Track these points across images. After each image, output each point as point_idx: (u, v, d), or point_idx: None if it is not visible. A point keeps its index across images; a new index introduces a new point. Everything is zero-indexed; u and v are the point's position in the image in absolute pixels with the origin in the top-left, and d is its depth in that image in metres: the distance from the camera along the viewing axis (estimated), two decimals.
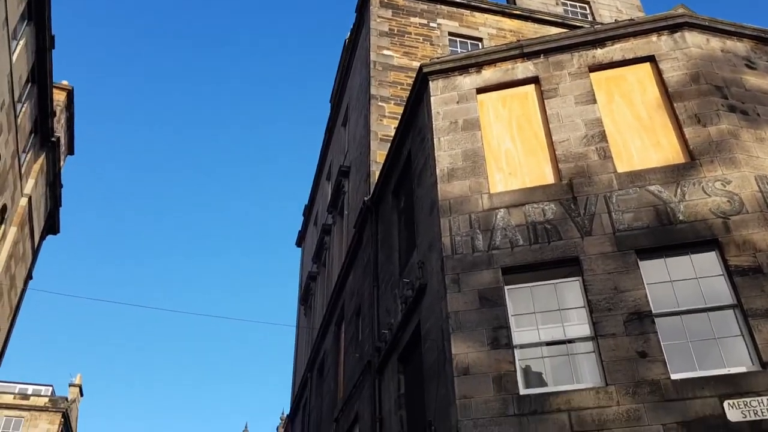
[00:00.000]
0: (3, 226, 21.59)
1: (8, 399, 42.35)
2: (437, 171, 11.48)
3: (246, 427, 55.23)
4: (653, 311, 9.18)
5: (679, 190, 10.08)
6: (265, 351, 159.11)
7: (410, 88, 14.09)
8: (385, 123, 18.24)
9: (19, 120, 20.46)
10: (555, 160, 11.05)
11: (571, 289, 9.77)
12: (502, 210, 10.66)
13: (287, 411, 29.29)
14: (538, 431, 8.58)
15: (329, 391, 19.23)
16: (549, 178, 10.95)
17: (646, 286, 9.41)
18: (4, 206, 21.05)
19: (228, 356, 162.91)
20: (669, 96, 11.21)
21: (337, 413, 17.19)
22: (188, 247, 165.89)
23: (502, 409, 8.85)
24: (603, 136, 11.03)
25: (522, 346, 9.46)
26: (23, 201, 22.99)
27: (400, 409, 11.96)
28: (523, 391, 9.01)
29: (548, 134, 11.41)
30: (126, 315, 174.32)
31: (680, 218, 9.82)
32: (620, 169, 10.63)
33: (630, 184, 10.36)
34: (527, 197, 10.69)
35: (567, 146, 11.09)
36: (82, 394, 52.20)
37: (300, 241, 32.91)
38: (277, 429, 49.51)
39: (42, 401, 45.41)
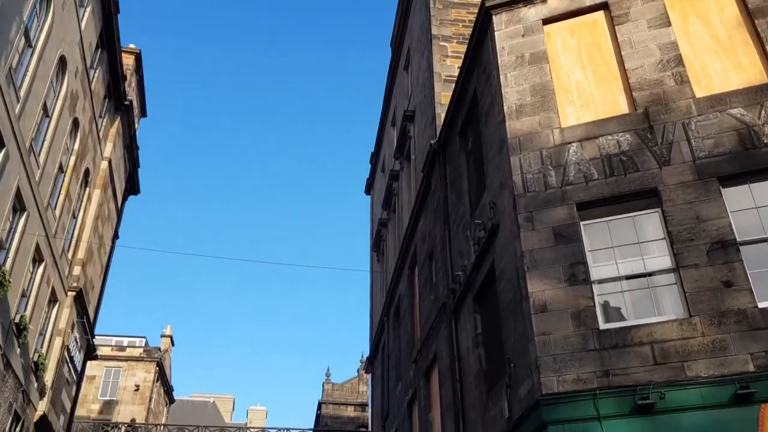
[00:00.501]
0: (87, 188, 22.67)
1: (107, 351, 45.23)
2: (505, 108, 11.27)
3: (328, 370, 57.33)
4: (738, 239, 8.87)
5: (763, 112, 9.56)
6: (341, 298, 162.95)
7: (473, 24, 13.75)
8: (448, 63, 17.92)
9: (92, 86, 21.19)
10: (629, 89, 10.64)
11: (650, 221, 9.54)
12: (574, 144, 10.41)
13: (366, 354, 30.15)
14: (619, 365, 8.55)
15: (406, 333, 19.64)
16: (623, 107, 10.58)
17: (729, 213, 9.08)
18: (87, 170, 22.06)
19: (307, 304, 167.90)
20: (749, 13, 10.53)
21: (415, 354, 17.58)
22: (262, 201, 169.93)
23: (582, 344, 8.84)
24: (679, 61, 10.52)
25: (600, 281, 9.35)
26: (104, 164, 24.03)
27: (478, 348, 12.13)
28: (603, 325, 8.96)
29: (621, 62, 10.96)
30: (209, 266, 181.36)
31: (765, 141, 9.34)
32: (699, 94, 10.15)
33: (710, 109, 9.89)
34: (601, 129, 10.38)
35: (641, 73, 10.65)
36: (173, 344, 55.25)
37: (368, 189, 33.17)
38: (358, 371, 51.13)
39: (137, 352, 48.33)
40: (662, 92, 10.33)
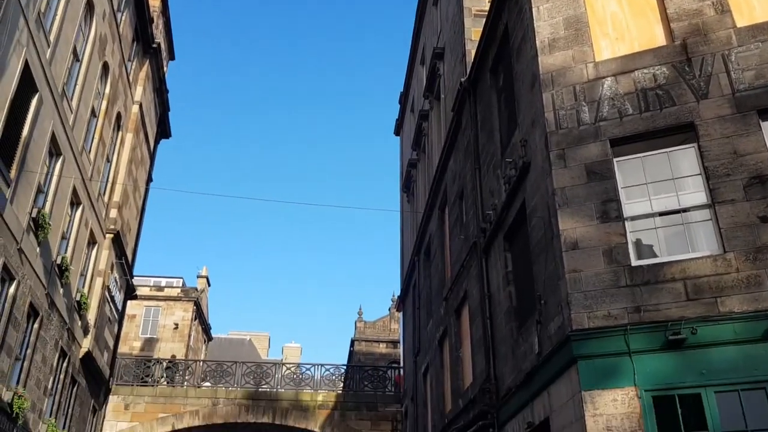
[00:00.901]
0: (120, 132, 22.92)
1: (146, 291, 46.52)
2: (537, 42, 10.98)
3: (360, 309, 58.39)
4: None
5: None
6: (373, 239, 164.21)
7: None
8: None
9: (120, 29, 21.14)
10: (666, 20, 10.26)
11: (685, 157, 9.35)
12: (609, 78, 10.15)
13: (398, 293, 30.57)
14: (651, 301, 8.55)
15: (437, 272, 19.82)
16: (660, 39, 10.23)
17: None
18: (119, 114, 22.25)
19: (339, 245, 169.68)
20: None
21: (446, 292, 17.78)
22: (292, 143, 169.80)
23: (614, 281, 8.84)
24: None
25: (633, 218, 9.27)
26: (135, 108, 24.19)
27: (509, 285, 12.21)
28: (635, 262, 8.92)
29: None
30: (242, 207, 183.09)
31: None
32: (740, 24, 9.75)
33: (751, 39, 9.52)
34: (636, 62, 10.08)
35: (679, 3, 10.24)
36: (209, 284, 56.61)
37: (398, 130, 32.93)
38: (389, 310, 52.00)
39: (175, 292, 49.66)
40: (701, 22, 9.95)
